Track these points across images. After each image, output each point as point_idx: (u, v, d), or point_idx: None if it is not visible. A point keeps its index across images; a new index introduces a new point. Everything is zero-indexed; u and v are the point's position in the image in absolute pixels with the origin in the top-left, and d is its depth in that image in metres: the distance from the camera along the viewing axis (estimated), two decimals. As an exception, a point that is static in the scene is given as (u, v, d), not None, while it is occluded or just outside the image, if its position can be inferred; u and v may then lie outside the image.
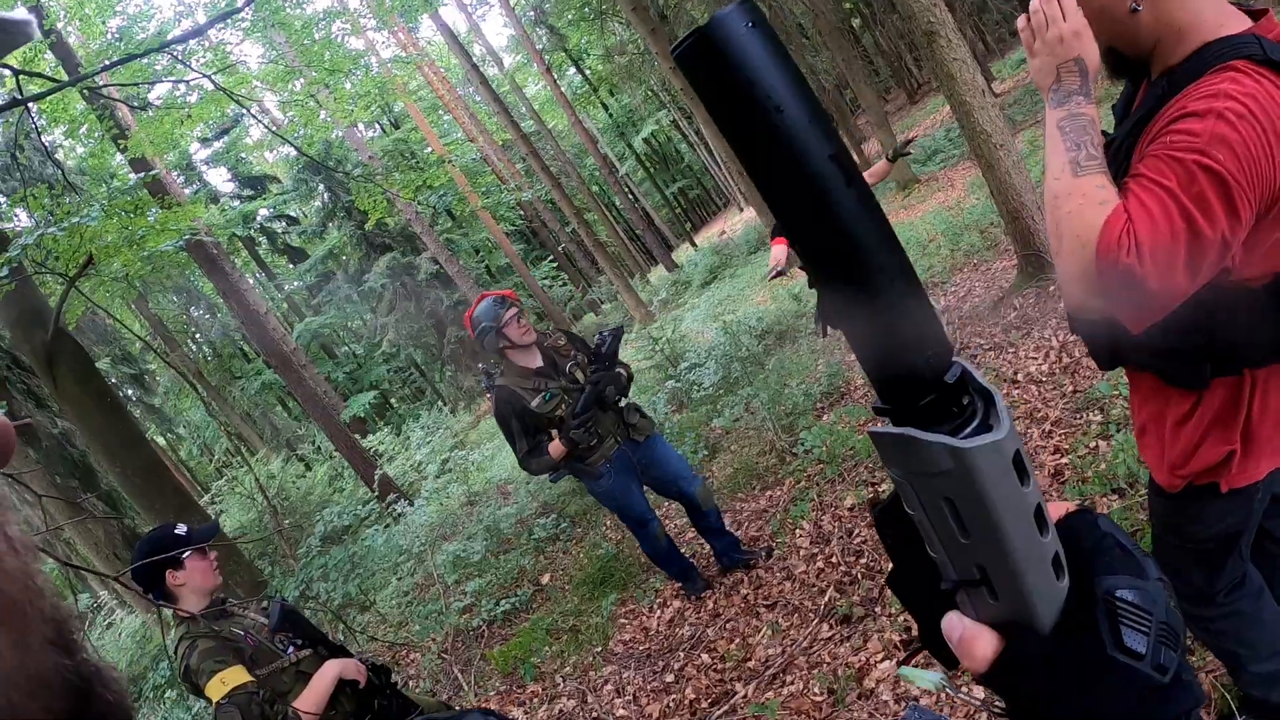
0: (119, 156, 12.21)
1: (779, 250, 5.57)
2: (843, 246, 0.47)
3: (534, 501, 8.46)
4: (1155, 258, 1.36)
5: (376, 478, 12.12)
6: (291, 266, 35.02)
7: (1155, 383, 1.79)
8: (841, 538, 4.64)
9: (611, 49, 26.79)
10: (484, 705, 5.52)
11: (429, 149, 31.22)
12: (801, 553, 4.79)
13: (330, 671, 3.08)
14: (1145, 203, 1.39)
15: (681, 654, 4.65)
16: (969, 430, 0.51)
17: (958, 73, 6.18)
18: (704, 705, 4.08)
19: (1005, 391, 5.15)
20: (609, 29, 25.45)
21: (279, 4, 10.39)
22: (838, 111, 21.29)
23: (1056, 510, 0.59)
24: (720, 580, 5.12)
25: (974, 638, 0.55)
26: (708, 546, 5.22)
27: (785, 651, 4.03)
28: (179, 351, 25.12)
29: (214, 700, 2.76)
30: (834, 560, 4.48)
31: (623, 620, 5.48)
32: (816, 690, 3.62)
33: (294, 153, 18.65)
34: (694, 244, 34.03)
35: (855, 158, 5.69)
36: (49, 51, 10.28)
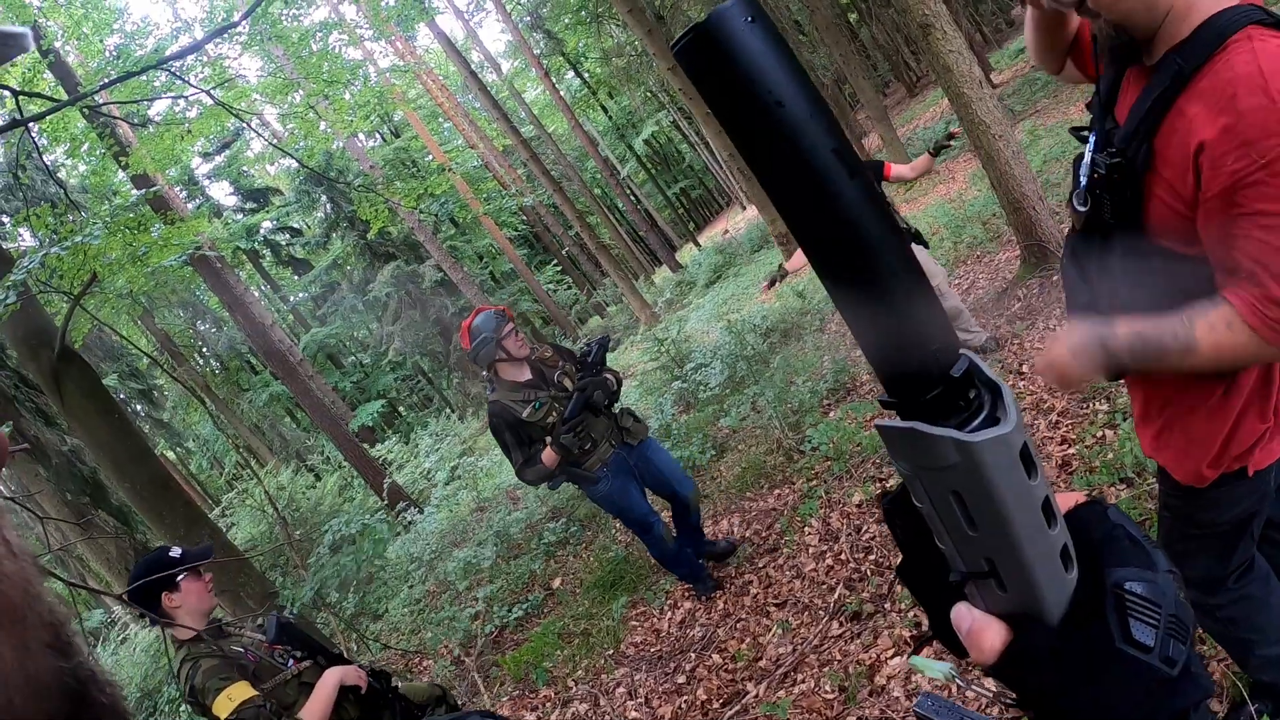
0: (121, 173, 12.24)
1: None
2: (846, 240, 0.47)
3: (543, 506, 8.47)
4: None
5: (386, 486, 12.14)
6: (296, 278, 35.08)
7: (1178, 381, 1.76)
8: (850, 534, 4.63)
9: (609, 51, 26.82)
10: (497, 709, 5.53)
11: (430, 157, 31.29)
12: (811, 550, 4.78)
13: (330, 679, 3.13)
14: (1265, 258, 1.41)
15: (693, 655, 4.64)
16: (976, 423, 0.51)
17: (954, 65, 6.16)
18: (715, 706, 4.07)
19: (1011, 383, 5.14)
20: (605, 31, 25.48)
21: (276, 17, 10.40)
22: (837, 107, 21.27)
23: (1066, 501, 0.59)
24: (731, 580, 5.12)
25: (982, 630, 0.56)
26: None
27: (796, 650, 4.02)
28: (186, 366, 25.17)
29: (222, 717, 2.81)
30: (843, 557, 4.47)
31: (634, 623, 5.47)
32: (828, 688, 3.61)
33: (295, 165, 18.68)
34: (697, 244, 34.04)
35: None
36: (48, 71, 10.31)
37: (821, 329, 8.89)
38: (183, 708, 8.71)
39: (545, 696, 5.33)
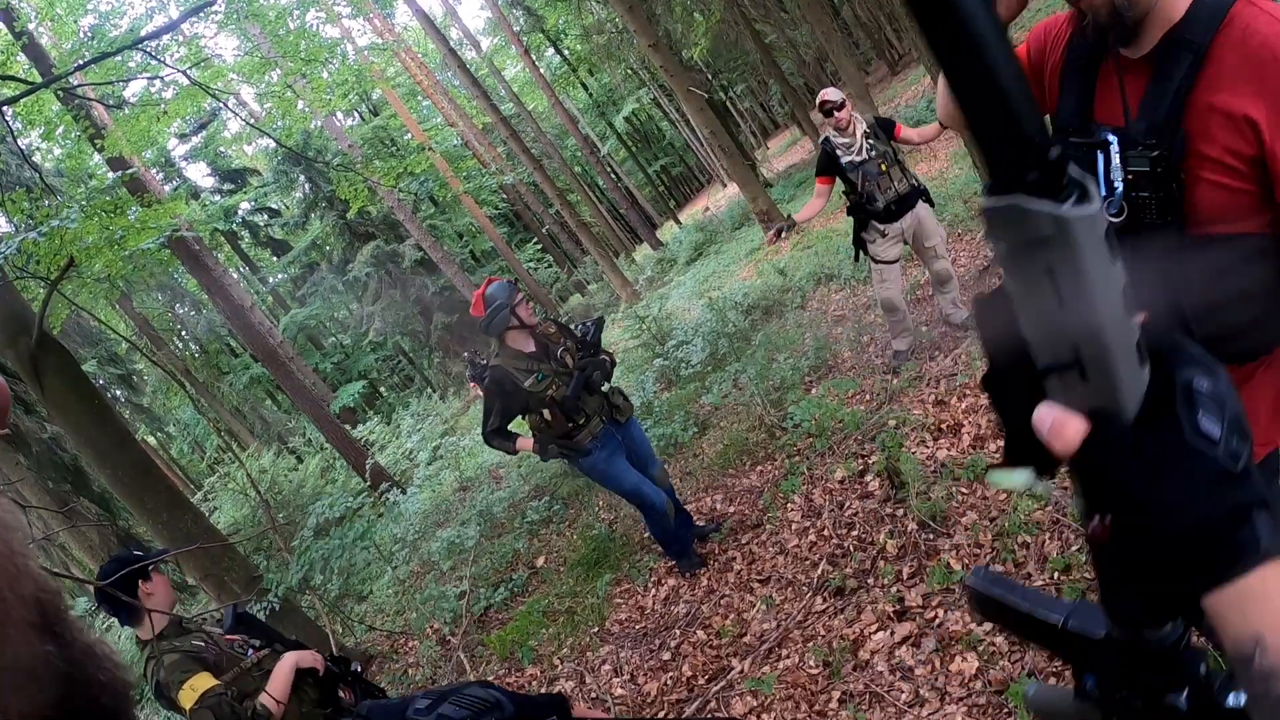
0: (97, 156, 12.10)
1: (823, 190, 5.66)
2: (970, 35, 0.52)
3: (526, 485, 8.46)
4: None
5: (368, 467, 12.10)
6: (275, 259, 34.84)
7: None
8: (833, 510, 4.65)
9: (589, 28, 26.58)
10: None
11: (409, 135, 31.06)
12: (794, 527, 4.81)
13: (287, 662, 3.25)
14: None
15: (677, 631, 4.67)
16: (1069, 203, 0.54)
17: (939, 42, 6.13)
18: (701, 682, 4.10)
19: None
20: (586, 8, 25.26)
21: (251, -6, 10.27)
22: (819, 84, 21.23)
23: None
24: (715, 557, 5.14)
25: (1064, 422, 0.59)
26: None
27: (780, 626, 4.05)
28: (165, 350, 24.96)
29: (187, 708, 2.94)
30: (826, 534, 4.50)
31: (618, 600, 5.50)
32: (812, 663, 3.64)
33: (273, 145, 18.52)
34: (678, 221, 33.92)
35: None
36: (21, 54, 10.16)
37: (803, 306, 8.89)
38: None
39: (531, 675, 5.36)
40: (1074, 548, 3.25)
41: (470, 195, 28.43)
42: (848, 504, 4.63)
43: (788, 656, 3.81)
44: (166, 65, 9.25)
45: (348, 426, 16.99)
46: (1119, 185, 1.61)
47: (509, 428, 4.89)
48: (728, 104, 35.11)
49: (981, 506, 3.83)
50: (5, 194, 8.56)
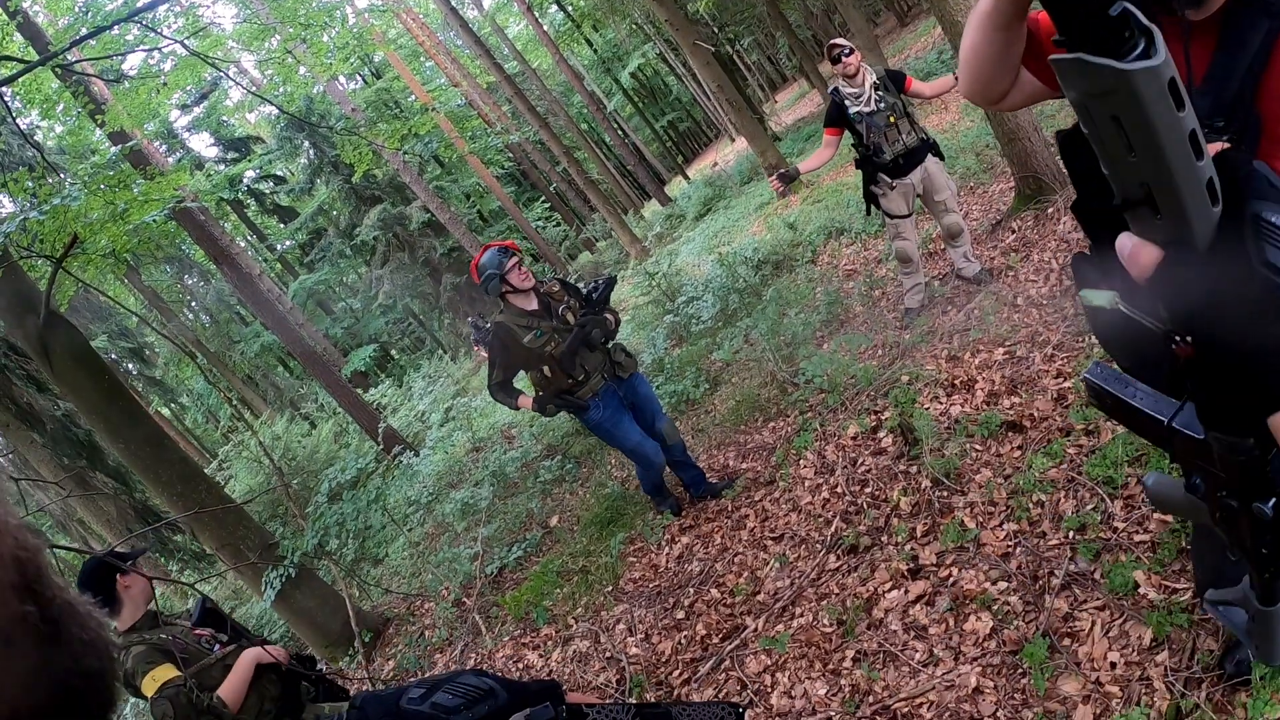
0: (98, 132, 12.03)
1: (831, 141, 5.61)
2: None
3: (538, 444, 8.45)
4: None
5: (381, 431, 12.14)
6: (282, 226, 34.72)
7: None
8: (846, 467, 4.62)
9: (592, -17, 26.28)
10: (499, 649, 5.58)
11: (412, 97, 30.76)
12: (806, 484, 4.78)
13: (247, 659, 3.41)
14: None
15: (691, 590, 4.67)
16: (1133, 57, 0.59)
17: (949, -8, 5.99)
18: (715, 640, 4.10)
19: (1005, 315, 5.09)
20: (588, -38, 24.93)
21: (247, -42, 10.14)
22: (827, 37, 20.92)
23: (1213, 148, 0.68)
24: (728, 514, 5.13)
25: (1140, 248, 0.65)
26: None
27: (793, 584, 4.04)
28: (175, 322, 24.98)
29: (149, 695, 3.11)
30: (839, 490, 4.47)
31: (631, 559, 5.51)
32: (826, 621, 3.63)
33: (276, 112, 18.38)
34: (686, 177, 33.71)
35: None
36: (17, 33, 10.08)
37: (813, 260, 8.80)
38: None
39: (546, 635, 5.38)
40: (1089, 506, 3.21)
41: (476, 155, 28.24)
42: (861, 460, 4.59)
43: (801, 615, 3.80)
44: (164, 37, 9.15)
45: (359, 390, 17.04)
46: None
47: (515, 385, 5.08)
48: (734, 57, 34.68)
49: (996, 464, 3.79)
50: (7, 174, 8.50)
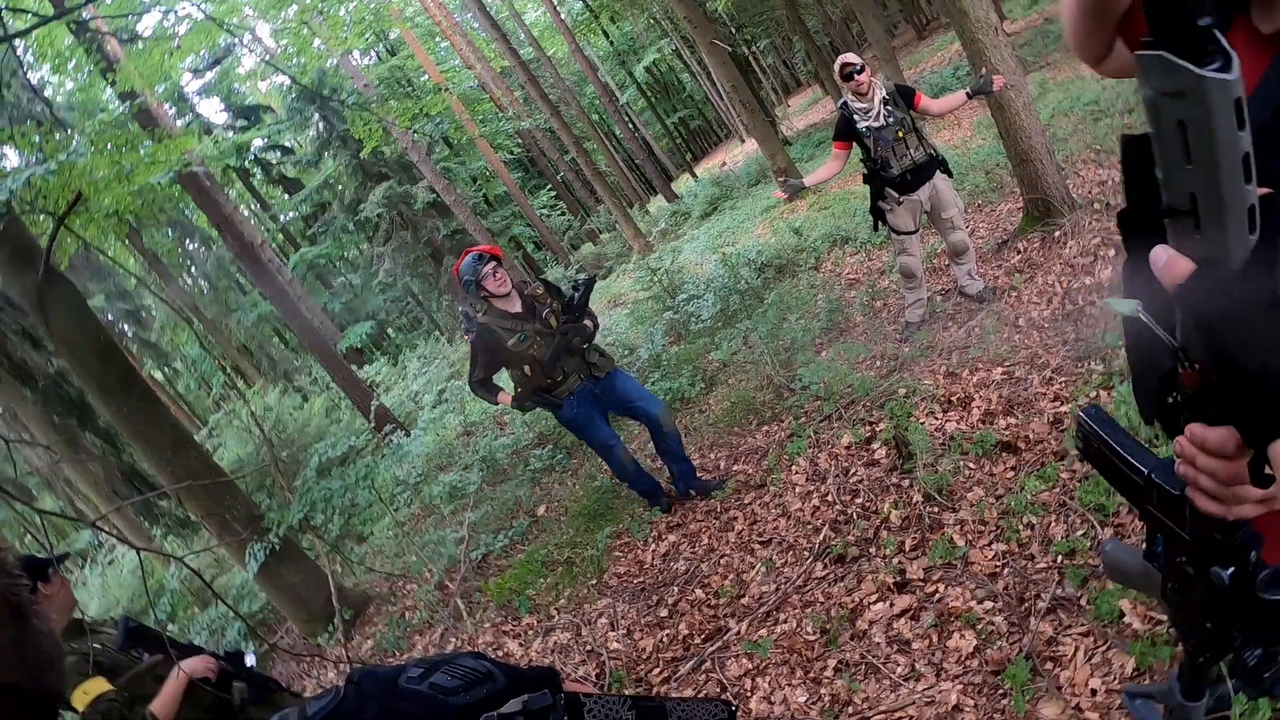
0: (109, 90, 11.97)
1: (839, 154, 5.61)
2: None
3: (530, 432, 8.44)
4: None
5: (373, 408, 12.13)
6: (286, 197, 34.58)
7: None
8: (838, 476, 4.62)
9: (612, -26, 26.20)
10: (479, 636, 5.58)
11: (426, 76, 30.73)
12: (797, 490, 4.78)
13: (180, 678, 3.35)
14: None
15: (675, 589, 4.67)
16: (1210, 68, 0.61)
17: (970, 9, 5.97)
18: (697, 641, 4.10)
19: (1006, 335, 5.09)
20: (609, -47, 24.85)
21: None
22: (844, 45, 20.91)
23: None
24: (717, 515, 5.13)
25: (1175, 260, 0.68)
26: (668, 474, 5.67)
27: (779, 589, 4.04)
28: (174, 286, 24.86)
29: (79, 710, 3.06)
30: (829, 499, 4.47)
31: (617, 553, 5.51)
32: (809, 629, 3.62)
33: (288, 82, 18.36)
34: (694, 175, 33.62)
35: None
36: (33, -14, 10.02)
37: (817, 267, 8.80)
38: (170, 627, 8.81)
39: (528, 624, 5.37)
40: (1079, 532, 3.20)
41: (485, 139, 28.22)
42: (853, 470, 4.59)
43: (785, 621, 3.80)
44: (181, -1, 9.13)
45: (354, 367, 17.00)
46: None
47: (494, 379, 5.26)
48: (750, 59, 34.61)
49: (988, 483, 3.79)
50: (15, 127, 8.46)
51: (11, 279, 6.66)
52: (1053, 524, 3.32)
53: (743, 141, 33.39)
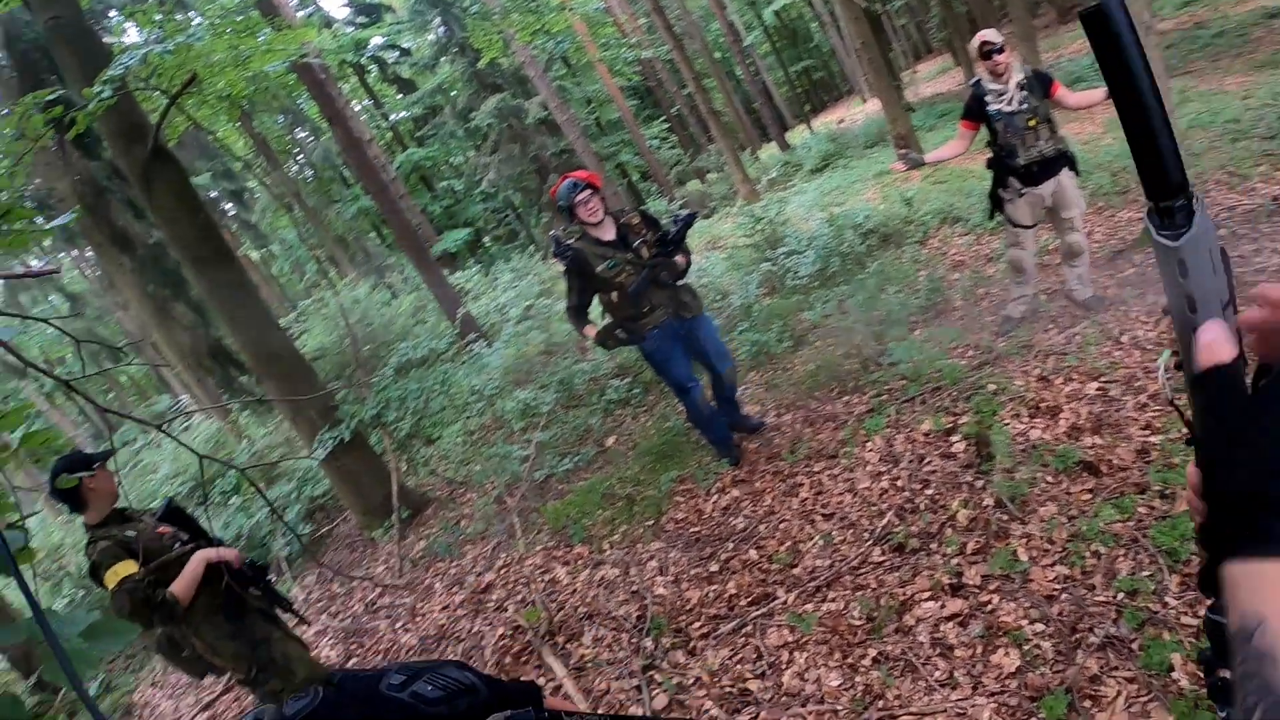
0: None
1: (965, 134, 5.42)
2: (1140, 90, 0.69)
3: (610, 362, 8.39)
4: None
5: (459, 315, 12.25)
6: (399, 97, 34.85)
7: None
8: (912, 462, 4.52)
9: (757, -91, 25.49)
10: (530, 556, 5.66)
11: (552, -9, 30.45)
12: (868, 468, 4.69)
13: (198, 558, 3.71)
14: None
15: (730, 545, 4.66)
16: (1181, 239, 0.70)
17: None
18: (743, 603, 4.09)
19: (1107, 350, 4.81)
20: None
21: None
22: (982, 17, 20.11)
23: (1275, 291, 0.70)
24: (784, 478, 5.07)
25: (1218, 344, 0.67)
26: None
27: (833, 566, 3.99)
28: (279, 172, 25.26)
29: (109, 588, 3.41)
30: (899, 484, 4.38)
31: (678, 499, 5.51)
32: (856, 614, 3.58)
33: (413, -18, 18.28)
34: (810, 127, 32.92)
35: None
36: None
37: (923, 242, 8.54)
38: (233, 499, 9.12)
39: (579, 554, 5.44)
40: (1145, 572, 3.05)
41: (604, 63, 27.94)
42: (928, 459, 4.48)
43: (834, 600, 3.76)
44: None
45: (446, 271, 17.17)
46: None
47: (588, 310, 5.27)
48: (884, 18, 33.56)
49: (1063, 501, 3.63)
50: (137, 5, 8.60)
51: (120, 151, 6.86)
52: (1120, 558, 3.18)
53: (864, 101, 32.53)
